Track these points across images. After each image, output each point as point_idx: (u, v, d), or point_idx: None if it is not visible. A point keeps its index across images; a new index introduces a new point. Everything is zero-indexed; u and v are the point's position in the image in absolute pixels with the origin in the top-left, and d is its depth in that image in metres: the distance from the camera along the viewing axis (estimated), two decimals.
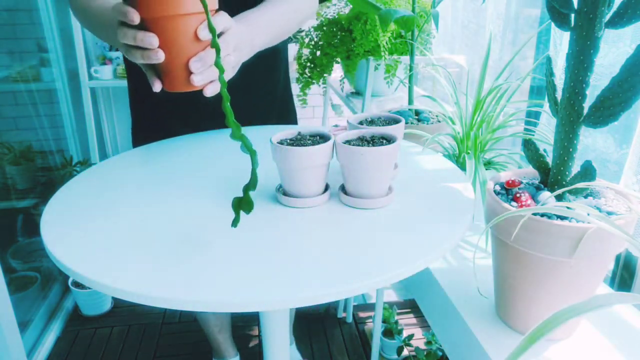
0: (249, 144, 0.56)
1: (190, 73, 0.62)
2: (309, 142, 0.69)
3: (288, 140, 0.70)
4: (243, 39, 0.72)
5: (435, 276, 0.78)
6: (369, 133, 0.72)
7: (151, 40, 0.59)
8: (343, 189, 0.71)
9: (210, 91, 0.64)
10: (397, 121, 0.79)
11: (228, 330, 1.58)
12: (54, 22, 2.07)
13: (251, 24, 0.74)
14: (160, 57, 0.60)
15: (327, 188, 0.71)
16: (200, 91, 0.66)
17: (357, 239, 0.61)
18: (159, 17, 0.59)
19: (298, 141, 0.69)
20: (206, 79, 0.63)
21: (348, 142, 0.69)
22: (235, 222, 0.57)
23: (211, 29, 0.53)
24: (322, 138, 0.70)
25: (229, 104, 0.54)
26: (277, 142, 0.68)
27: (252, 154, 0.55)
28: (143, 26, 0.61)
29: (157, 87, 0.64)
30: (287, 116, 1.22)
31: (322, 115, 2.14)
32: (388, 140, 0.69)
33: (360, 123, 0.80)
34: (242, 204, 0.56)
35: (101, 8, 0.78)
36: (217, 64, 0.53)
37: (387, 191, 0.70)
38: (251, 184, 0.54)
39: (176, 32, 0.60)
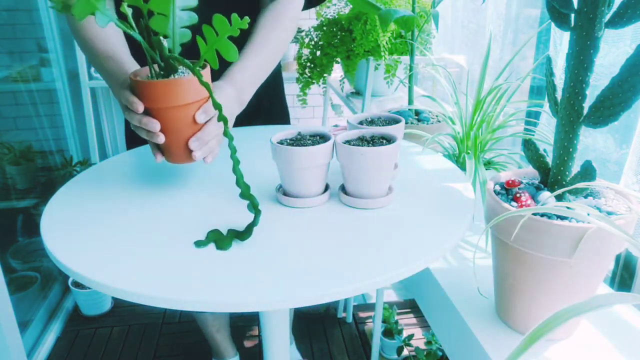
0: (256, 202, 0.59)
1: (189, 150, 0.69)
2: (309, 142, 0.69)
3: (288, 140, 0.70)
4: (234, 105, 0.78)
5: (435, 276, 0.78)
6: (369, 133, 0.72)
7: (154, 125, 0.66)
8: (343, 189, 0.71)
9: (209, 160, 0.71)
10: (397, 121, 0.79)
11: (226, 330, 1.58)
12: (54, 22, 2.06)
13: (237, 84, 0.79)
14: (161, 139, 0.67)
15: (327, 188, 0.71)
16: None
17: (357, 239, 0.61)
18: (161, 107, 0.66)
19: (298, 141, 0.69)
20: (204, 153, 0.70)
21: (348, 142, 0.69)
22: (199, 244, 0.58)
23: (219, 113, 0.58)
24: (322, 138, 0.70)
25: (239, 167, 0.59)
26: (277, 142, 0.68)
27: (257, 213, 0.58)
28: (147, 111, 0.67)
29: (159, 159, 0.71)
30: (280, 117, 1.21)
31: (322, 115, 2.14)
32: (388, 140, 0.69)
33: (360, 123, 0.80)
34: (219, 241, 0.57)
35: (107, 55, 0.80)
36: (226, 133, 0.59)
37: (387, 191, 0.70)
38: (243, 235, 0.55)
39: (176, 118, 0.67)
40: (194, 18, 0.63)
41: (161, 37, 0.63)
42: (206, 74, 0.68)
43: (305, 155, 0.65)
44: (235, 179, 0.59)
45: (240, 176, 0.59)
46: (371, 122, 0.80)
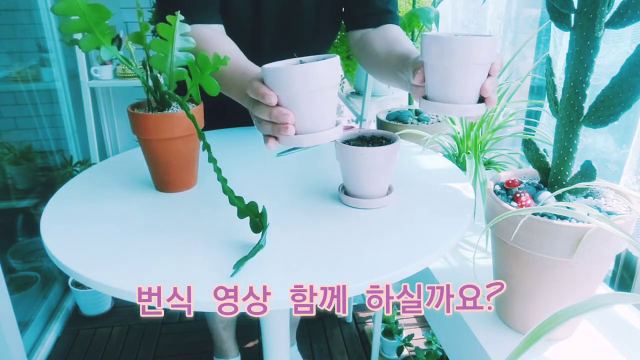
0: (263, 221, 0.58)
1: (177, 180, 0.73)
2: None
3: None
4: None
5: (435, 276, 0.78)
6: (369, 133, 0.72)
7: (285, 117, 0.57)
8: (343, 189, 0.71)
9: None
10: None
11: (233, 328, 1.58)
12: (54, 22, 2.06)
13: None
14: (291, 131, 0.58)
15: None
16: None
17: (357, 239, 0.61)
18: (152, 139, 0.69)
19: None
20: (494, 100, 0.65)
21: (348, 142, 0.69)
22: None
23: (209, 154, 0.59)
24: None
25: (227, 185, 0.59)
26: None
27: (265, 228, 0.58)
28: (143, 146, 0.72)
29: (272, 145, 0.63)
30: None
31: None
32: (388, 140, 0.69)
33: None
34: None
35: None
36: (210, 159, 0.60)
37: (387, 191, 0.70)
38: (249, 255, 0.55)
39: (166, 150, 0.70)
40: (189, 57, 0.67)
41: (157, 74, 0.68)
42: (198, 110, 0.72)
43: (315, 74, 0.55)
44: (228, 199, 0.59)
45: (232, 194, 0.59)
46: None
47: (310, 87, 0.55)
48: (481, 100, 0.63)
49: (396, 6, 0.99)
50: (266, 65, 0.57)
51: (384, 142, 0.69)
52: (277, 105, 0.57)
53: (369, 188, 0.67)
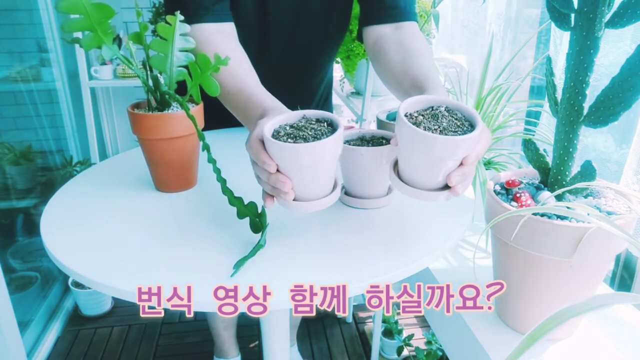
0: (262, 222, 0.59)
1: (177, 180, 0.74)
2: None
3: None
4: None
5: (435, 276, 0.78)
6: (369, 133, 0.72)
7: (284, 185, 0.57)
8: (343, 188, 0.71)
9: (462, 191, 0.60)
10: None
11: (234, 328, 1.58)
12: (54, 22, 2.06)
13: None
14: (290, 197, 0.57)
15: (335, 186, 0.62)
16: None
17: (357, 239, 0.61)
18: (152, 139, 0.70)
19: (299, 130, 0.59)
20: (464, 188, 0.58)
21: (348, 142, 0.69)
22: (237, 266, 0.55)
23: (208, 154, 0.60)
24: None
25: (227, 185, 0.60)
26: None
27: (264, 228, 0.58)
28: (143, 146, 0.73)
29: (269, 204, 0.62)
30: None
31: None
32: (388, 140, 0.69)
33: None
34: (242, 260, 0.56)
35: (236, 89, 0.75)
36: (210, 159, 0.61)
37: (387, 191, 0.70)
38: (250, 255, 0.55)
39: (167, 150, 0.71)
40: (190, 57, 0.67)
41: (157, 74, 0.68)
42: (198, 110, 0.72)
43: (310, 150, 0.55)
44: (228, 199, 0.60)
45: (231, 195, 0.60)
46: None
47: (312, 163, 0.54)
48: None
49: (410, 2, 0.90)
50: (266, 131, 0.55)
51: (384, 142, 0.69)
52: (277, 171, 0.56)
53: (369, 188, 0.67)
